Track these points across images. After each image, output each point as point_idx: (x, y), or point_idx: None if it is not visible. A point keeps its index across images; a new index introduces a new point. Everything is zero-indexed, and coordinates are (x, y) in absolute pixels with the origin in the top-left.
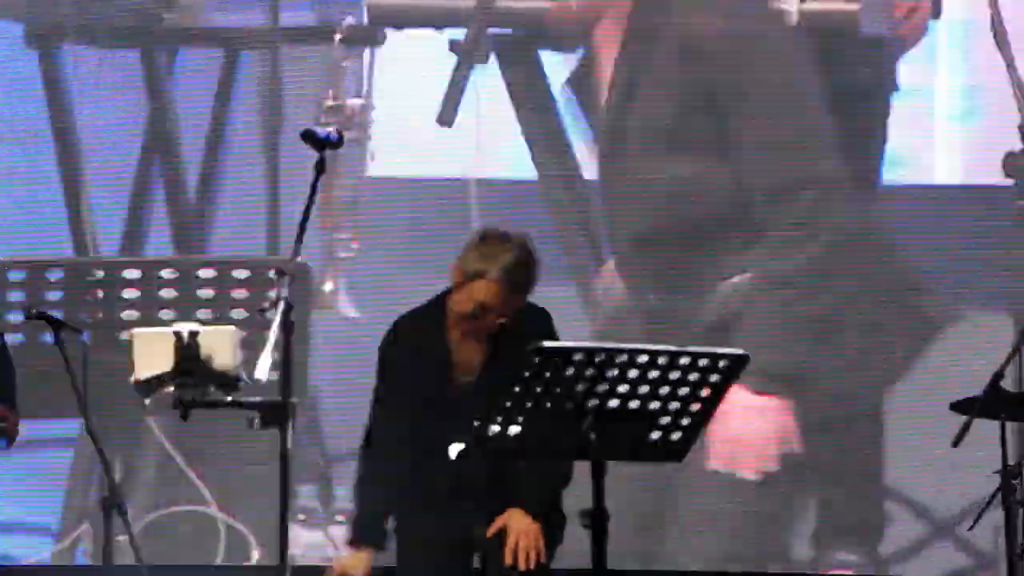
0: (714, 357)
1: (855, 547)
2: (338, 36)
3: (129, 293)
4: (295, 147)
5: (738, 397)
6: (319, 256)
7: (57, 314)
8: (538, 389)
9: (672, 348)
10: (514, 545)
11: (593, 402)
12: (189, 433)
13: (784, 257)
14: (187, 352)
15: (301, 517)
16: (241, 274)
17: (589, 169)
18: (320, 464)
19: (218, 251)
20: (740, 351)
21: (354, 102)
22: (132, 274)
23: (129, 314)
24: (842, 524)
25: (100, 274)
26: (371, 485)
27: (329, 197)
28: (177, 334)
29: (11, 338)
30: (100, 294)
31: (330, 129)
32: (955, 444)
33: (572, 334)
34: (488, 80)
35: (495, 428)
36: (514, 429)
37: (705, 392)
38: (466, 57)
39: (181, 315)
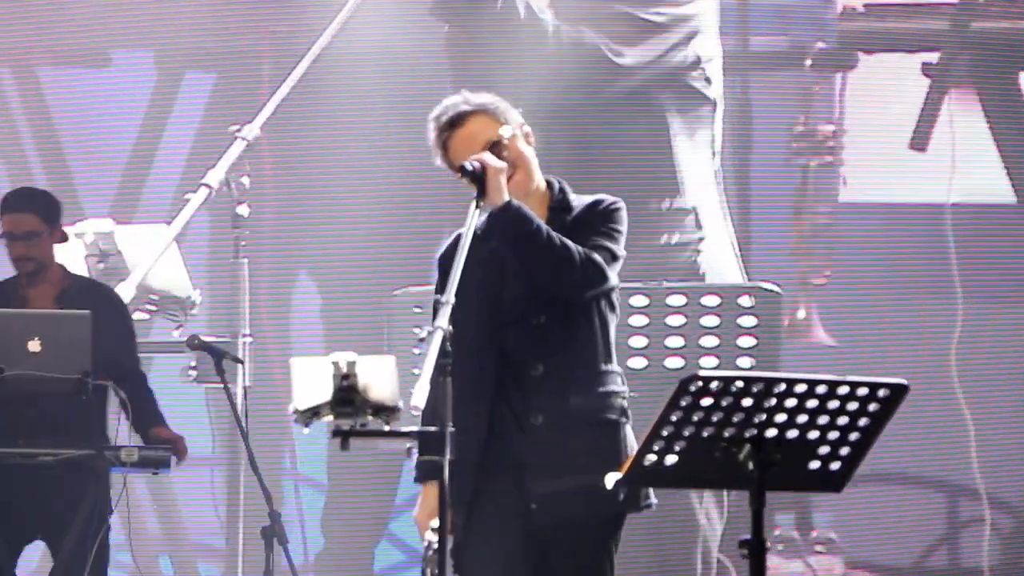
0: (873, 386)
1: None
2: (809, 61)
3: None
4: (765, 175)
5: None
6: (791, 282)
7: None
8: (695, 418)
9: (830, 377)
10: None
11: (751, 431)
12: None
13: None
14: (345, 381)
15: (780, 547)
16: (711, 301)
17: None
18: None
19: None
20: (901, 380)
21: (825, 127)
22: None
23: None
24: None
25: None
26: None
27: (801, 223)
28: (335, 363)
29: None
30: None
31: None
32: None
33: None
34: (963, 103)
35: (652, 457)
36: (671, 459)
37: (864, 421)
38: (940, 80)
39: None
